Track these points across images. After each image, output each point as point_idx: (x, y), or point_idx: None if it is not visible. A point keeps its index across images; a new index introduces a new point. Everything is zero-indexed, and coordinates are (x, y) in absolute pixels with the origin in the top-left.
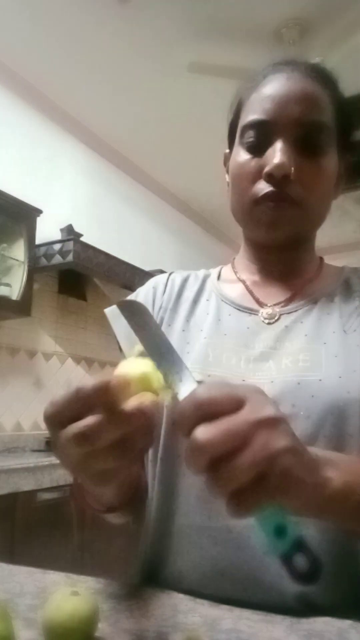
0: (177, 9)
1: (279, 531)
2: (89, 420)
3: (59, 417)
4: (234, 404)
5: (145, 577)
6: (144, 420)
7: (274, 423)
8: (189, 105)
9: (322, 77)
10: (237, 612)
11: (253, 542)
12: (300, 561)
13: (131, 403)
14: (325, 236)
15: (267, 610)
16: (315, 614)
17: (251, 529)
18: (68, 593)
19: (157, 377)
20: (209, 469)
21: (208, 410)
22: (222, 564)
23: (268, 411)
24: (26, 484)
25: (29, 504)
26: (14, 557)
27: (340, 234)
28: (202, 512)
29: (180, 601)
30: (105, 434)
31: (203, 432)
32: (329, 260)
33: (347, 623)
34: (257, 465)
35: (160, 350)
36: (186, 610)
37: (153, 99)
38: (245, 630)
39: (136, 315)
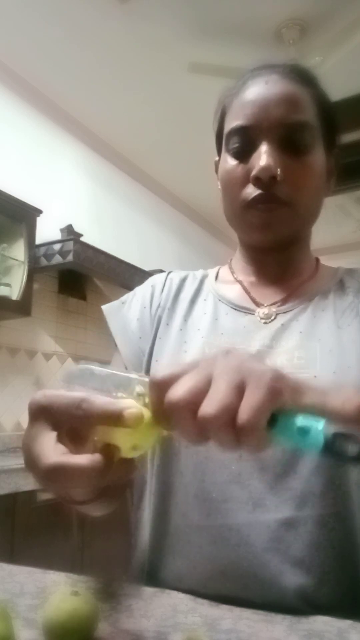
0: (177, 9)
1: (303, 432)
2: (72, 460)
3: (47, 414)
4: (191, 368)
5: (145, 577)
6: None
7: (227, 352)
8: (189, 105)
9: (301, 76)
10: (237, 612)
11: (252, 540)
12: (343, 444)
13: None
14: (325, 236)
15: (267, 607)
16: (314, 611)
17: (250, 527)
18: (68, 593)
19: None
20: (199, 424)
21: (169, 384)
22: (222, 562)
23: (221, 350)
24: (26, 484)
25: (29, 504)
26: (14, 557)
27: (340, 234)
28: (200, 511)
29: (180, 601)
30: (87, 477)
31: (170, 396)
32: (329, 260)
33: (347, 623)
34: (229, 385)
35: (116, 384)
36: (186, 610)
37: (153, 99)
38: (245, 630)
39: (85, 378)
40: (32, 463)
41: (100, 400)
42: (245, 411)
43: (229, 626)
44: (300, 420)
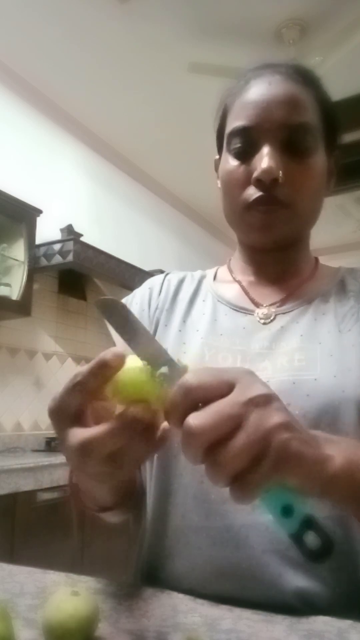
0: (177, 9)
1: (286, 511)
2: (92, 431)
3: (61, 413)
4: (224, 387)
5: (144, 578)
6: (145, 424)
7: (265, 401)
8: (189, 105)
9: (304, 77)
10: (237, 612)
11: (251, 541)
12: (311, 540)
13: (131, 408)
14: (325, 236)
15: (267, 608)
16: (313, 611)
17: (249, 528)
18: (68, 593)
19: (150, 373)
20: (205, 456)
21: (198, 396)
22: (221, 563)
23: (258, 390)
24: (26, 484)
25: (29, 504)
26: (14, 557)
27: (340, 234)
28: (199, 512)
29: (180, 601)
30: (108, 443)
31: (194, 419)
32: (329, 260)
33: (347, 623)
34: (252, 445)
35: (143, 344)
36: (186, 610)
37: (153, 98)
38: (245, 630)
39: (115, 313)
40: (70, 458)
41: (85, 367)
42: (252, 479)
43: (229, 626)
44: (290, 501)
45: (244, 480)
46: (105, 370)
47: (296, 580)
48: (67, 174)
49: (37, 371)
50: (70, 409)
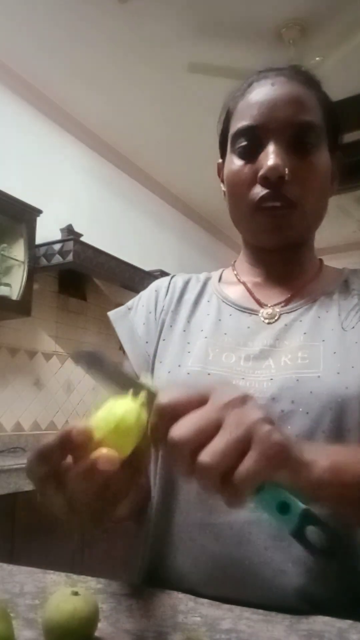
0: (177, 9)
1: (283, 508)
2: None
3: (33, 476)
4: (199, 400)
5: (146, 576)
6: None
7: (242, 401)
8: (189, 105)
9: (306, 79)
10: (237, 612)
11: (254, 537)
12: (314, 535)
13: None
14: (325, 236)
15: (268, 606)
16: (314, 610)
17: (252, 525)
18: (68, 593)
19: (139, 412)
20: (193, 464)
21: (175, 412)
22: (223, 560)
23: (234, 394)
24: (26, 484)
25: (29, 504)
26: (14, 557)
27: (340, 234)
28: (202, 509)
29: (180, 601)
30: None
31: (175, 430)
32: (330, 260)
33: (347, 623)
34: (235, 440)
35: (121, 384)
36: (186, 610)
37: (153, 99)
38: (245, 630)
39: (92, 363)
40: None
41: (51, 437)
42: (240, 474)
43: (229, 626)
44: (285, 497)
45: (233, 479)
46: (68, 445)
47: (298, 578)
48: (67, 174)
49: (37, 371)
50: (39, 475)
